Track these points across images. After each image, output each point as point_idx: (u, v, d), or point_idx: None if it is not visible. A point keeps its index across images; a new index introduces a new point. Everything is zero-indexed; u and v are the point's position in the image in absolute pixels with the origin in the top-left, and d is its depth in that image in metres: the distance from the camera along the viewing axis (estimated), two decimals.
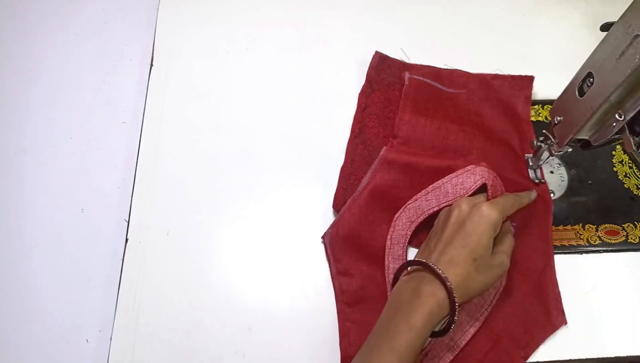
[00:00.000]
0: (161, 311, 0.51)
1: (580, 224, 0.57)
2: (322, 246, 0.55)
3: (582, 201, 0.58)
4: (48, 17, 0.71)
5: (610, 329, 0.52)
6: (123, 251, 0.54)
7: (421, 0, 0.74)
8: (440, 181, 0.52)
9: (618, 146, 0.62)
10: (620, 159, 0.62)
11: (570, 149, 0.51)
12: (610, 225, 0.57)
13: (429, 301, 0.41)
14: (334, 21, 0.71)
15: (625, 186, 0.60)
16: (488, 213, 0.45)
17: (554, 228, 0.56)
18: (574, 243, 0.56)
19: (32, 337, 0.51)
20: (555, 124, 0.50)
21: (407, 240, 0.53)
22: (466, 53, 0.67)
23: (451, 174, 0.52)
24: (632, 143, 0.45)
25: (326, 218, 0.56)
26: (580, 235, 0.56)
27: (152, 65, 0.65)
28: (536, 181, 0.57)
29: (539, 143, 0.54)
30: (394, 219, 0.53)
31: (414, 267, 0.45)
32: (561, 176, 0.60)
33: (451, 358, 0.48)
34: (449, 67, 0.65)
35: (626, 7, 0.41)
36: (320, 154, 0.60)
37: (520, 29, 0.72)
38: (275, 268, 0.54)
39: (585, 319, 0.52)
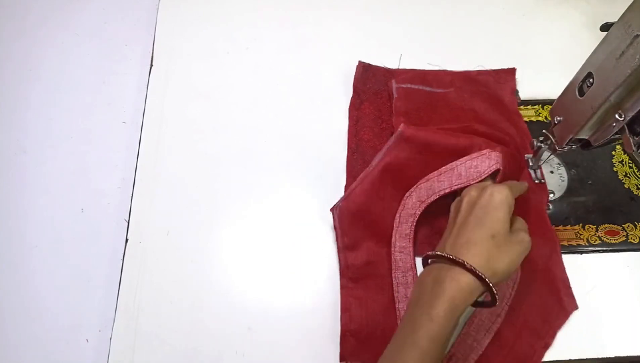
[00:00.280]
0: (161, 311, 0.51)
1: (580, 225, 0.57)
2: (322, 246, 0.55)
3: (582, 201, 0.58)
4: (48, 17, 0.71)
5: (610, 329, 0.52)
6: (123, 251, 0.54)
7: (421, 0, 0.74)
8: (454, 162, 0.52)
9: (618, 146, 0.62)
10: (620, 159, 0.62)
11: (573, 146, 0.50)
12: (610, 225, 0.57)
13: (451, 288, 0.40)
14: (334, 21, 0.71)
15: (625, 186, 0.60)
16: (499, 190, 0.44)
17: (553, 227, 0.56)
18: (574, 243, 0.56)
19: (32, 337, 0.51)
20: (555, 124, 0.50)
21: (416, 219, 0.52)
22: (466, 53, 0.68)
23: (465, 157, 0.52)
24: (632, 143, 0.45)
25: (326, 218, 0.56)
26: (580, 235, 0.56)
27: (152, 65, 0.65)
28: (536, 181, 0.57)
29: (539, 143, 0.54)
30: (405, 197, 0.53)
31: (433, 260, 0.45)
32: (561, 176, 0.60)
33: (476, 358, 0.48)
34: (432, 66, 0.65)
35: (626, 7, 0.41)
36: (320, 154, 0.60)
37: (520, 29, 0.72)
38: (275, 268, 0.54)
39: (585, 319, 0.52)
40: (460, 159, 0.52)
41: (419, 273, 0.51)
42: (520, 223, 0.47)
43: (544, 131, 0.52)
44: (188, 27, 0.69)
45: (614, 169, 0.61)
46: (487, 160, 0.50)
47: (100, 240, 0.56)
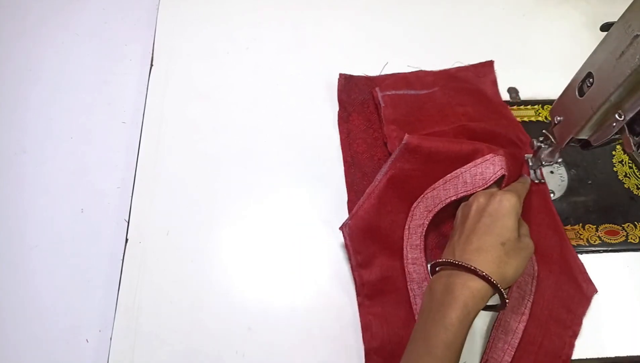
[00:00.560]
0: (161, 311, 0.51)
1: (580, 225, 0.57)
2: (322, 245, 0.55)
3: (582, 201, 0.58)
4: (48, 17, 0.71)
5: (610, 329, 0.52)
6: (123, 251, 0.53)
7: (421, 0, 0.74)
8: (458, 170, 0.52)
9: (618, 146, 0.62)
10: (620, 159, 0.62)
11: (560, 160, 0.51)
12: (610, 225, 0.57)
13: (463, 294, 0.40)
14: (334, 21, 0.71)
15: (625, 186, 0.60)
16: (507, 198, 0.45)
17: (558, 216, 0.56)
18: (574, 243, 0.56)
19: (32, 337, 0.51)
20: (555, 124, 0.50)
21: (425, 229, 0.52)
22: (466, 53, 0.67)
23: (470, 164, 0.52)
24: (632, 143, 0.45)
25: (326, 217, 0.56)
26: (580, 235, 0.56)
27: (152, 65, 0.65)
28: (536, 181, 0.57)
29: (539, 143, 0.54)
30: (412, 208, 0.53)
31: (441, 267, 0.45)
32: (561, 176, 0.60)
33: (509, 361, 0.48)
34: (412, 69, 0.65)
35: (626, 7, 0.41)
36: (320, 154, 0.60)
37: (520, 29, 0.72)
38: (275, 268, 0.54)
39: (586, 319, 0.52)
40: (465, 166, 0.52)
41: None
42: (525, 228, 0.48)
43: (544, 131, 0.52)
44: (188, 27, 0.69)
45: (614, 169, 0.61)
46: (491, 166, 0.50)
47: (100, 240, 0.56)
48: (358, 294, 0.51)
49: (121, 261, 0.53)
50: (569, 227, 0.57)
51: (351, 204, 0.57)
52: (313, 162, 0.60)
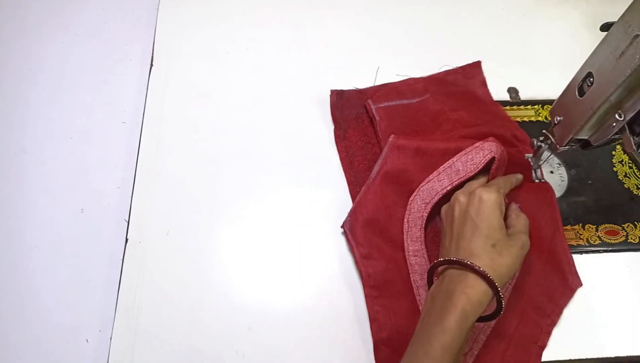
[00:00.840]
0: (161, 311, 0.51)
1: (580, 225, 0.57)
2: (322, 246, 0.55)
3: (582, 201, 0.58)
4: (48, 17, 0.71)
5: (610, 329, 0.52)
6: (123, 251, 0.53)
7: (421, 0, 0.74)
8: (450, 160, 0.53)
9: (618, 146, 0.62)
10: (620, 159, 0.62)
11: (573, 146, 0.51)
12: (610, 225, 0.57)
13: (461, 300, 0.41)
14: (334, 21, 0.71)
15: (625, 186, 0.60)
16: (487, 196, 0.45)
17: (558, 207, 0.56)
18: (573, 243, 0.56)
19: (32, 337, 0.51)
20: (555, 124, 0.50)
21: (424, 221, 0.53)
22: (466, 53, 0.68)
23: (460, 153, 0.53)
24: (632, 143, 0.45)
25: (326, 217, 0.56)
26: (580, 235, 0.56)
27: (152, 65, 0.65)
28: (536, 180, 0.57)
29: (539, 143, 0.54)
30: (409, 202, 0.54)
31: (443, 267, 0.45)
32: (561, 176, 0.60)
33: (484, 339, 0.49)
34: (402, 77, 0.65)
35: (626, 7, 0.41)
36: (320, 154, 0.60)
37: (520, 29, 0.72)
38: (275, 268, 0.54)
39: (585, 319, 0.52)
40: (456, 156, 0.53)
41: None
42: (522, 224, 0.48)
43: (544, 131, 0.52)
44: (188, 27, 0.69)
45: (614, 169, 0.61)
46: (480, 151, 0.51)
47: (100, 240, 0.56)
48: (364, 286, 0.52)
49: (121, 261, 0.53)
50: (569, 227, 0.57)
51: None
52: (313, 162, 0.60)
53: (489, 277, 0.41)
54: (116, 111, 0.64)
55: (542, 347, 0.50)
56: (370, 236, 0.53)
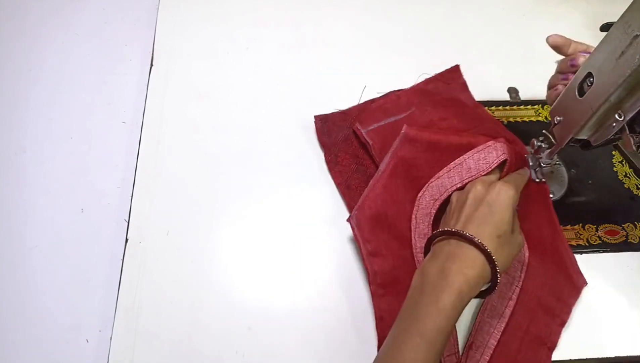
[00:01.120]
0: (161, 311, 0.51)
1: (580, 225, 0.57)
2: (322, 246, 0.55)
3: (582, 201, 0.58)
4: (48, 17, 0.71)
5: (610, 329, 0.52)
6: (123, 251, 0.53)
7: (421, 0, 0.74)
8: (461, 157, 0.52)
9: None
10: (620, 159, 0.62)
11: (557, 163, 0.51)
12: (610, 225, 0.57)
13: (458, 280, 0.40)
14: (334, 21, 0.71)
15: (625, 186, 0.60)
16: (506, 190, 0.45)
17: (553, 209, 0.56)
18: (573, 243, 0.56)
19: (32, 337, 0.51)
20: (555, 124, 0.50)
21: (432, 217, 0.53)
22: (466, 53, 0.68)
23: (472, 151, 0.52)
24: (633, 143, 0.45)
25: (326, 217, 0.56)
26: (580, 235, 0.56)
27: (152, 65, 0.65)
28: (536, 180, 0.57)
29: (539, 143, 0.54)
30: (418, 198, 0.53)
31: (439, 241, 0.45)
32: (561, 176, 0.60)
33: (495, 343, 0.49)
34: (380, 94, 0.64)
35: (626, 7, 0.41)
36: (321, 154, 0.60)
37: (520, 29, 0.72)
38: (275, 268, 0.54)
39: (586, 319, 0.52)
40: (467, 153, 0.52)
41: None
42: (517, 224, 0.48)
43: (544, 131, 0.52)
44: (188, 27, 0.69)
45: (614, 169, 0.61)
46: (494, 151, 0.51)
47: (100, 240, 0.56)
48: (371, 283, 0.51)
49: (121, 261, 0.53)
50: (569, 227, 0.57)
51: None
52: (313, 162, 0.60)
53: (488, 251, 0.41)
54: (116, 111, 0.64)
55: (552, 348, 0.50)
56: (378, 232, 0.52)
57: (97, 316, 0.52)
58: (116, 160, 0.61)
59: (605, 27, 0.66)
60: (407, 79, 0.65)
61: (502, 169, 0.51)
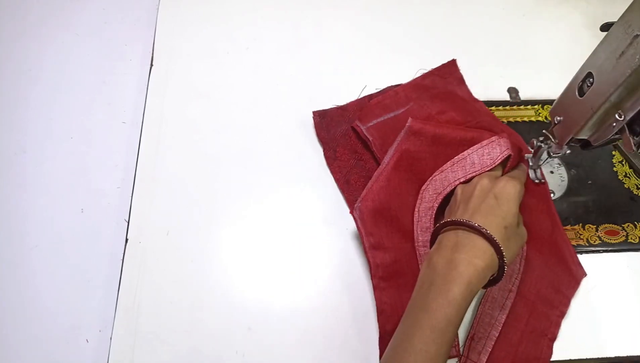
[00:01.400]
0: (161, 311, 0.51)
1: (580, 225, 0.57)
2: (322, 246, 0.55)
3: (582, 201, 0.58)
4: (48, 17, 0.71)
5: (610, 329, 0.52)
6: (123, 251, 0.53)
7: (421, 0, 0.74)
8: (465, 152, 0.53)
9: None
10: (620, 159, 0.62)
11: (568, 151, 0.51)
12: (610, 225, 0.57)
13: (467, 271, 0.41)
14: (334, 21, 0.71)
15: (625, 186, 0.60)
16: (513, 184, 0.46)
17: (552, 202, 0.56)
18: (574, 243, 0.56)
19: (32, 337, 0.51)
20: (555, 124, 0.50)
21: (435, 211, 0.53)
22: (466, 53, 0.67)
23: (476, 145, 0.53)
24: (632, 143, 0.45)
25: (326, 217, 0.56)
26: (580, 235, 0.56)
27: (152, 65, 0.65)
28: (536, 181, 0.57)
29: (539, 143, 0.54)
30: (421, 191, 0.53)
31: (449, 228, 0.45)
32: (561, 176, 0.60)
33: (497, 335, 0.49)
34: (378, 90, 0.64)
35: (626, 7, 0.41)
36: (321, 154, 0.60)
37: (520, 29, 0.72)
38: (275, 268, 0.54)
39: (585, 319, 0.52)
40: (472, 148, 0.53)
41: None
42: (520, 218, 0.48)
43: (544, 131, 0.52)
44: (188, 27, 0.69)
45: (614, 169, 0.61)
46: (498, 147, 0.52)
47: (100, 240, 0.56)
48: (373, 276, 0.51)
49: (121, 261, 0.53)
50: (569, 227, 0.57)
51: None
52: (313, 162, 0.60)
53: (497, 242, 0.41)
54: (116, 111, 0.64)
55: (553, 339, 0.50)
56: (381, 225, 0.52)
57: (97, 316, 0.52)
58: (116, 160, 0.61)
59: (605, 27, 0.66)
60: (407, 80, 0.65)
61: (506, 165, 0.52)
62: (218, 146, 0.61)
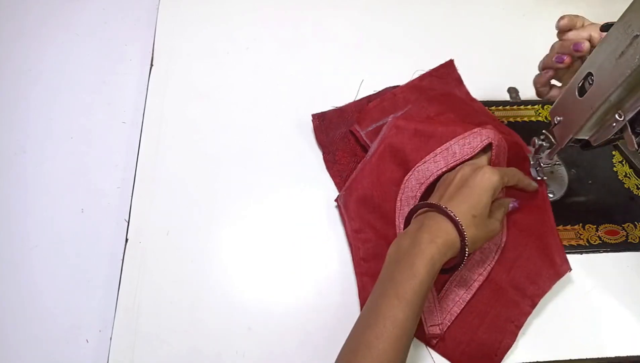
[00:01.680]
0: (161, 311, 0.51)
1: (580, 225, 0.57)
2: (322, 245, 0.55)
3: (582, 201, 0.58)
4: (48, 17, 0.71)
5: (610, 329, 0.52)
6: (123, 251, 0.53)
7: (421, 0, 0.74)
8: (447, 143, 0.54)
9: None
10: (620, 159, 0.62)
11: (558, 163, 0.51)
12: (610, 225, 0.57)
13: (429, 248, 0.43)
14: (334, 21, 0.71)
15: (625, 186, 0.60)
16: (489, 175, 0.47)
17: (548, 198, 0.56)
18: (574, 243, 0.56)
19: (32, 337, 0.51)
20: (555, 124, 0.50)
21: (417, 201, 0.54)
22: (466, 53, 0.67)
23: (458, 136, 0.54)
24: (634, 142, 0.45)
25: (326, 217, 0.56)
26: (580, 235, 0.56)
27: (152, 65, 0.65)
28: (537, 178, 0.57)
29: (539, 142, 0.54)
30: (404, 181, 0.54)
31: (422, 211, 0.47)
32: (561, 176, 0.60)
33: (457, 312, 0.50)
34: (375, 91, 0.64)
35: (626, 7, 0.41)
36: (320, 154, 0.60)
37: (520, 29, 0.72)
38: (275, 268, 0.54)
39: (585, 319, 0.52)
40: (454, 138, 0.54)
41: None
42: (500, 213, 0.50)
43: (544, 131, 0.52)
44: (188, 27, 0.69)
45: (614, 169, 0.61)
46: (478, 136, 0.52)
47: (100, 240, 0.56)
48: (354, 257, 0.53)
49: (121, 261, 0.53)
50: (569, 227, 0.57)
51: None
52: (313, 161, 0.60)
53: (458, 221, 0.44)
54: (116, 111, 0.64)
55: (519, 326, 0.50)
56: (363, 212, 0.55)
57: (97, 316, 0.52)
58: (116, 160, 0.61)
59: (605, 27, 0.66)
60: (407, 80, 0.65)
61: (490, 153, 0.52)
62: (218, 146, 0.61)
